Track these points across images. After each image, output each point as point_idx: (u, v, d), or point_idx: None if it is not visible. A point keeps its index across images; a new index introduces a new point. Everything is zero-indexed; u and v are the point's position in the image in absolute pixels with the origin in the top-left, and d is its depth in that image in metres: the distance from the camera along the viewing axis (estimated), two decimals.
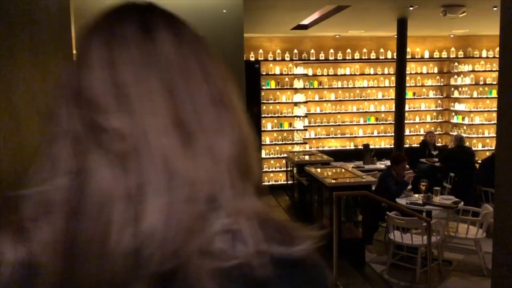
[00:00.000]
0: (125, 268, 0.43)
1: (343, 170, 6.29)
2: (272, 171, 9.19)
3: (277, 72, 9.19)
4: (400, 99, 6.68)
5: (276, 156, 9.20)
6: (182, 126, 0.47)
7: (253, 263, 0.45)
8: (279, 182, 9.17)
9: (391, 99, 9.64)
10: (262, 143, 9.12)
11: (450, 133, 9.89)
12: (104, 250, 0.44)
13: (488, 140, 9.37)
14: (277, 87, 9.17)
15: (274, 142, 9.18)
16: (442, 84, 9.89)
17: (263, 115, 9.11)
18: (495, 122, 9.34)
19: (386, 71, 9.63)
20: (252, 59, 8.95)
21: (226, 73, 0.54)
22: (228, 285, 0.45)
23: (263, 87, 9.11)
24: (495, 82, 9.22)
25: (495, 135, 9.23)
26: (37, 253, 0.46)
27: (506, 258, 1.74)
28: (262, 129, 9.11)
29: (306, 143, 9.30)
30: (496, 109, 8.98)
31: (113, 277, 0.44)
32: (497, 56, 7.88)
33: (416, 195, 5.66)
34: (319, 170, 6.28)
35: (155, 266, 0.43)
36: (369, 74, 9.60)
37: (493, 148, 9.26)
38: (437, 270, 5.11)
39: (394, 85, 9.54)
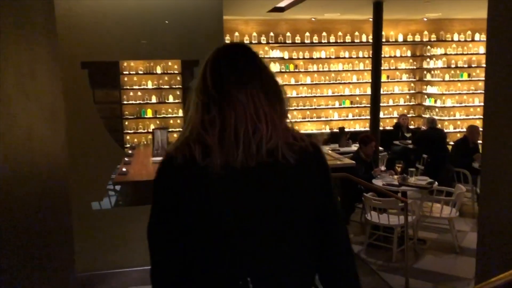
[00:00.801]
0: (250, 151, 1.08)
1: None
2: None
3: None
4: (375, 82, 6.75)
5: None
6: (269, 101, 1.13)
7: (304, 146, 1.14)
8: None
9: (366, 82, 9.75)
10: None
11: (423, 115, 10.09)
12: (238, 145, 1.07)
13: (459, 122, 9.61)
14: None
15: None
16: (415, 67, 10.05)
17: None
18: (466, 104, 9.62)
19: (360, 55, 9.70)
20: (228, 42, 8.84)
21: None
22: (297, 156, 1.11)
23: None
24: (466, 65, 9.44)
25: (466, 117, 9.51)
26: (209, 145, 1.07)
27: (491, 238, 1.80)
28: None
29: None
30: (466, 91, 9.20)
31: (244, 156, 1.07)
32: (469, 39, 8.04)
33: (391, 177, 5.78)
34: None
35: (266, 148, 1.07)
36: (344, 58, 9.65)
37: (464, 130, 9.51)
38: (413, 249, 5.26)
39: (369, 68, 9.65)
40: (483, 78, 9.60)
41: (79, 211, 4.13)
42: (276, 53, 9.25)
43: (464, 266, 4.98)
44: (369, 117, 9.73)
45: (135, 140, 8.90)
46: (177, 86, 8.94)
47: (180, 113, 8.92)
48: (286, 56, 9.37)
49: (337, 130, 8.87)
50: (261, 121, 1.09)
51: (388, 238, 5.37)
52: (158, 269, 1.11)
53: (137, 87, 8.83)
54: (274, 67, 9.22)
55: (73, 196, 4.14)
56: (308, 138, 1.19)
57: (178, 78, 8.94)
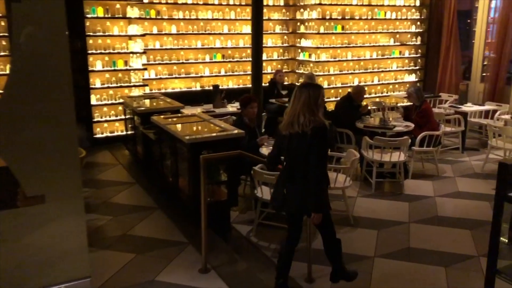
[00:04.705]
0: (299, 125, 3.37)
1: (199, 119, 5.27)
2: (106, 121, 7.62)
3: None
4: (257, 34, 5.81)
5: (110, 102, 7.60)
6: (309, 105, 3.36)
7: (319, 126, 3.32)
8: (116, 134, 7.70)
9: (238, 33, 8.81)
10: (91, 86, 7.40)
11: (296, 71, 9.59)
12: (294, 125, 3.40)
13: (333, 78, 9.32)
14: (106, 16, 7.41)
15: (106, 85, 7.52)
16: (288, 18, 9.38)
17: (89, 51, 7.32)
18: (340, 59, 9.26)
19: (231, 2, 8.64)
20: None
21: (317, 94, 3.36)
22: (314, 130, 3.30)
23: (88, 15, 7.26)
24: (340, 17, 9.04)
25: (340, 72, 9.23)
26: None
27: None
28: (90, 68, 7.35)
29: (146, 85, 7.90)
30: (340, 45, 8.71)
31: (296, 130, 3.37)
32: None
33: None
34: (170, 120, 5.14)
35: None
36: (213, 4, 8.50)
37: (338, 86, 9.28)
38: (307, 225, 4.63)
39: (241, 18, 8.70)
40: (356, 31, 9.30)
41: None
42: None
43: (362, 242, 4.59)
44: (242, 73, 8.92)
45: None
46: (1, 34, 6.83)
47: (8, 70, 6.88)
48: (146, 0, 7.85)
49: (210, 88, 7.84)
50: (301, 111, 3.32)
51: (276, 215, 4.69)
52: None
53: None
54: (132, 12, 7.65)
55: None
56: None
57: (3, 23, 6.83)
